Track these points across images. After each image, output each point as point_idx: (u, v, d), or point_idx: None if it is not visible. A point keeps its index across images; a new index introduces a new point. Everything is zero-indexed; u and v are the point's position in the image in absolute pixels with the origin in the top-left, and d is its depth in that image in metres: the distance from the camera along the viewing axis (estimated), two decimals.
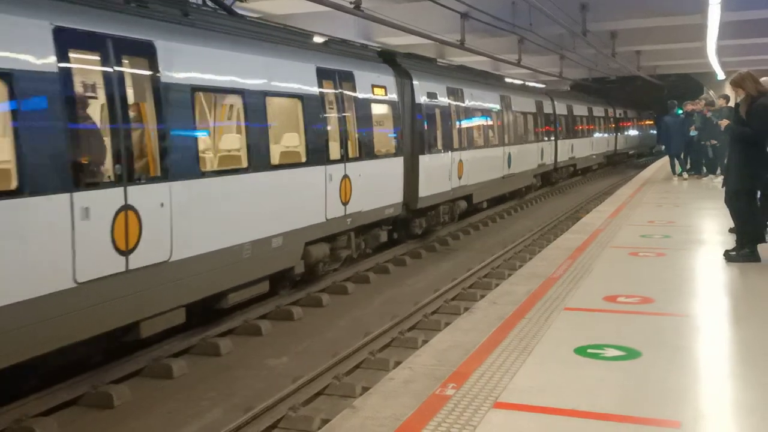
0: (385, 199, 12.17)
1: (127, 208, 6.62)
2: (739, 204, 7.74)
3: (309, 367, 7.29)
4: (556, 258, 8.26)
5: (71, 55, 6.28)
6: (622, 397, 4.13)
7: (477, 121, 17.06)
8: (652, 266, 7.77)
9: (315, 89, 10.11)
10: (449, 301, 9.97)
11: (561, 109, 26.92)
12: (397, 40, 20.22)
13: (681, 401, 4.08)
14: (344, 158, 10.73)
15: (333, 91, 10.67)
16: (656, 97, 43.38)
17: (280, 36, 10.10)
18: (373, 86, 12.03)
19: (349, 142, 10.99)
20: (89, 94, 6.66)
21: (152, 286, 6.98)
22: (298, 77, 9.80)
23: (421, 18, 16.83)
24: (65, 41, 6.17)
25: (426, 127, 13.88)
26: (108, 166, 6.63)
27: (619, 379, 4.39)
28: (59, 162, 6.02)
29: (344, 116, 10.93)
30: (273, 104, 9.26)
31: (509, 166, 19.30)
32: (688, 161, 18.64)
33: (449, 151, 14.95)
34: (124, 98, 6.77)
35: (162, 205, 7.06)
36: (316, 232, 10.00)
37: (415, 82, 13.62)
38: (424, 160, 13.64)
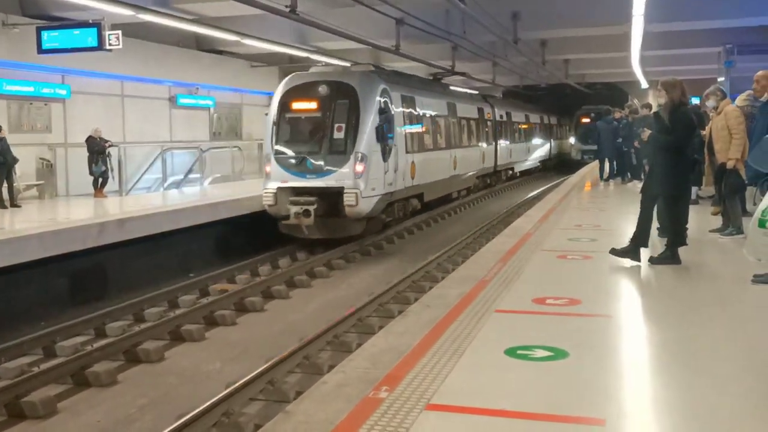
0: (489, 163, 26.39)
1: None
2: (665, 208, 8.02)
3: (242, 372, 7.24)
4: (487, 261, 8.41)
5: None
6: (549, 396, 4.24)
7: (518, 128, 31.89)
8: (579, 269, 8.00)
9: (477, 116, 24.82)
10: (384, 305, 10.04)
11: (554, 120, 41.24)
12: (332, 45, 20.18)
13: (606, 400, 4.22)
14: (482, 144, 25.12)
15: (480, 117, 25.16)
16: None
17: (465, 94, 26.04)
18: (486, 112, 26.35)
19: (486, 137, 25.80)
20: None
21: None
22: (473, 112, 24.40)
23: (357, 23, 16.86)
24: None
25: (500, 131, 28.14)
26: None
27: (547, 380, 4.52)
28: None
29: (482, 126, 25.37)
30: (469, 123, 23.41)
31: (530, 154, 34.65)
32: (614, 167, 19.28)
33: (508, 143, 29.56)
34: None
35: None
36: (477, 173, 24.58)
37: (495, 109, 27.94)
38: (499, 146, 27.79)
